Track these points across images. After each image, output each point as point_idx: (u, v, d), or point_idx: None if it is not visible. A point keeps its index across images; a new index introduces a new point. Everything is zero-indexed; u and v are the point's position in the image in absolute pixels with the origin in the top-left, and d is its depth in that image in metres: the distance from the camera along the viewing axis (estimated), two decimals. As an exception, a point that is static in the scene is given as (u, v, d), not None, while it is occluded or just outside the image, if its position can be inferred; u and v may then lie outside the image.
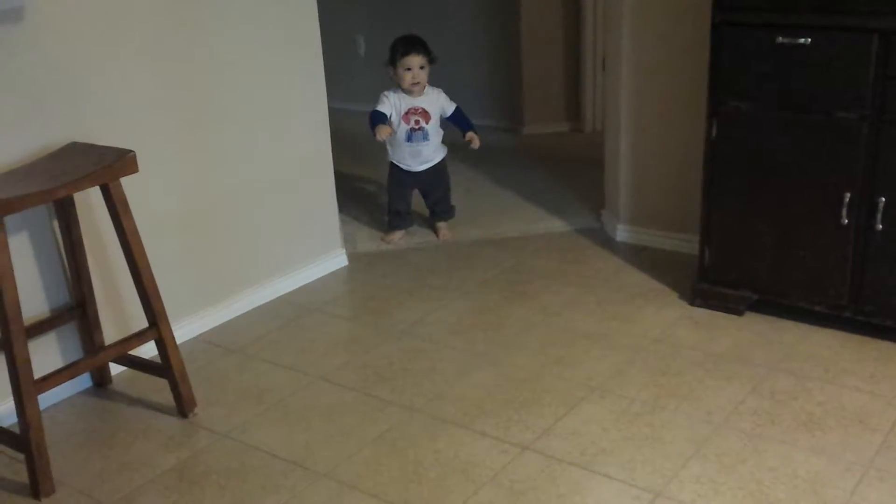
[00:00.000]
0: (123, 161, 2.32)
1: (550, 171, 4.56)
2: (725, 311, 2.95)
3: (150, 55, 2.73)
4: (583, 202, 4.06)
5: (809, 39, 2.53)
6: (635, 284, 3.25)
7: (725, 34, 2.69)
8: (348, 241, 3.72)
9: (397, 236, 3.72)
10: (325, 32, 3.41)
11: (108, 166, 2.29)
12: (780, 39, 2.58)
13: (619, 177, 3.65)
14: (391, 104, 3.54)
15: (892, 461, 2.17)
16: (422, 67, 3.49)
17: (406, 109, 3.54)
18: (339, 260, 3.56)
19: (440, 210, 3.77)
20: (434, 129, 3.61)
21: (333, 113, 3.55)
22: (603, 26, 4.80)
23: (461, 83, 5.38)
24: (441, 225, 3.76)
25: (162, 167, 2.81)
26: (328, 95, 3.41)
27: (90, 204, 2.57)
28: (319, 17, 3.29)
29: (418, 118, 3.55)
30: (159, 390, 2.62)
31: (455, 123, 3.68)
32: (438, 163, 3.68)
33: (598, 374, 2.65)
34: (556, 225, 3.87)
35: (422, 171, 3.66)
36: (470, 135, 3.61)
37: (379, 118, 3.49)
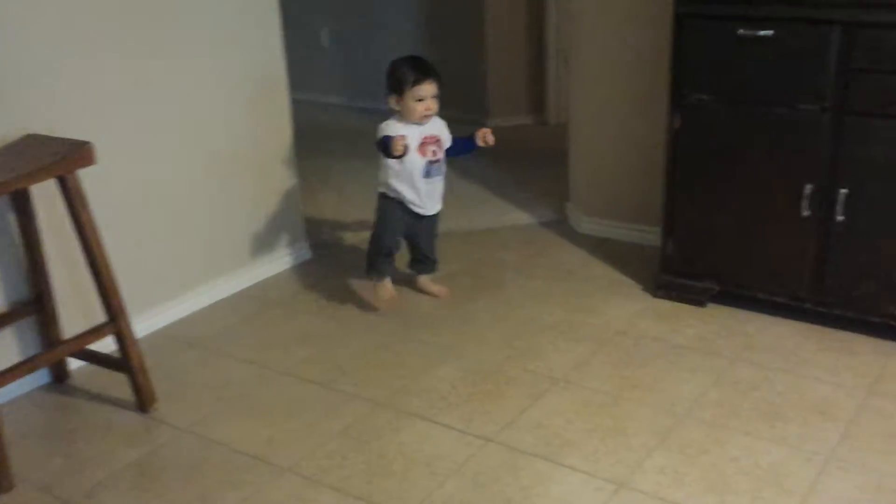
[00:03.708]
0: (80, 152, 2.28)
1: (515, 164, 4.56)
2: (688, 303, 2.97)
3: (108, 47, 2.68)
4: (547, 195, 4.07)
5: (771, 32, 2.55)
6: (599, 277, 3.26)
7: (687, 26, 2.70)
8: (312, 233, 3.69)
9: (391, 288, 3.04)
10: (289, 24, 3.38)
11: (64, 158, 2.25)
12: (741, 31, 2.59)
13: (582, 169, 3.66)
14: (395, 133, 2.82)
15: (853, 451, 2.20)
16: (434, 96, 2.86)
17: (421, 139, 2.87)
18: (302, 253, 3.53)
19: (430, 261, 3.15)
20: (444, 161, 2.99)
21: (297, 104, 3.52)
22: (565, 19, 4.80)
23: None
24: (427, 279, 3.18)
25: (121, 158, 2.76)
26: (292, 87, 3.38)
27: (52, 196, 2.52)
28: (283, 9, 3.26)
29: (435, 148, 2.91)
30: (119, 385, 2.57)
31: (457, 151, 3.02)
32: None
33: (562, 366, 2.65)
34: (521, 218, 3.87)
35: (432, 216, 3.02)
36: (483, 131, 2.94)
37: (390, 138, 2.78)
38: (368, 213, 3.95)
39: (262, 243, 3.36)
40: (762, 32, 2.56)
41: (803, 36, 2.52)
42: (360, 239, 3.71)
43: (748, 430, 2.31)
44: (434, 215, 3.03)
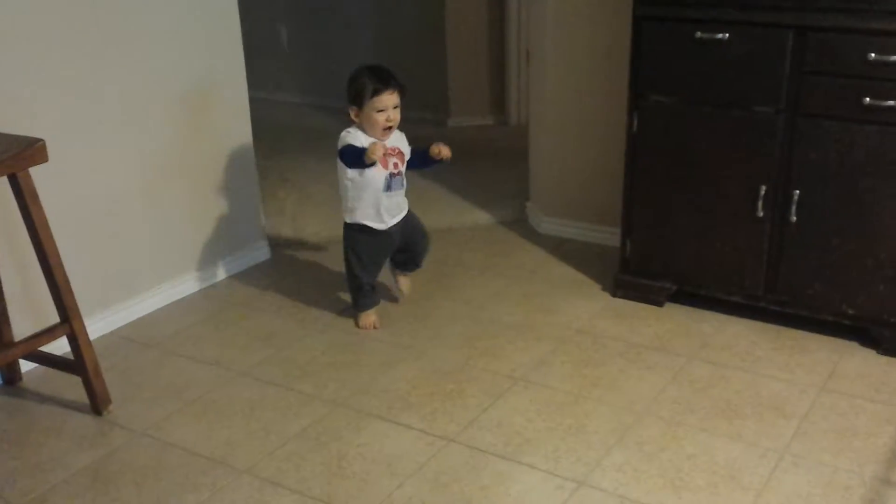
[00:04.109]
0: (32, 150, 2.23)
1: (476, 163, 4.56)
2: (646, 302, 3.00)
3: (59, 43, 2.63)
4: (508, 195, 4.08)
5: (727, 35, 2.58)
6: (559, 276, 3.28)
7: (646, 28, 2.72)
8: (272, 233, 3.66)
9: (374, 317, 2.94)
10: (248, 22, 3.35)
11: (16, 155, 2.20)
12: (699, 34, 2.62)
13: (543, 170, 3.68)
14: (361, 144, 2.71)
15: (807, 447, 2.24)
16: (396, 107, 2.72)
17: (383, 150, 2.73)
18: (261, 252, 3.50)
19: (413, 262, 3.06)
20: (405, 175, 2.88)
21: (256, 103, 3.49)
22: (527, 19, 4.83)
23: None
24: (403, 279, 3.09)
25: (75, 155, 2.71)
26: (251, 86, 3.34)
27: (2, 194, 2.47)
28: (241, 6, 3.23)
29: (396, 160, 2.79)
30: (73, 387, 2.53)
31: (416, 165, 2.89)
32: (408, 212, 2.93)
33: (523, 366, 2.66)
34: (482, 217, 3.88)
35: (393, 226, 2.87)
36: (437, 146, 2.79)
37: (358, 149, 2.69)
38: (329, 212, 3.95)
39: (221, 243, 3.32)
40: (719, 35, 2.59)
41: (758, 39, 2.55)
42: (319, 239, 3.70)
43: (705, 427, 2.33)
44: (409, 219, 2.91)
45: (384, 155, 2.73)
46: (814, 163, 2.57)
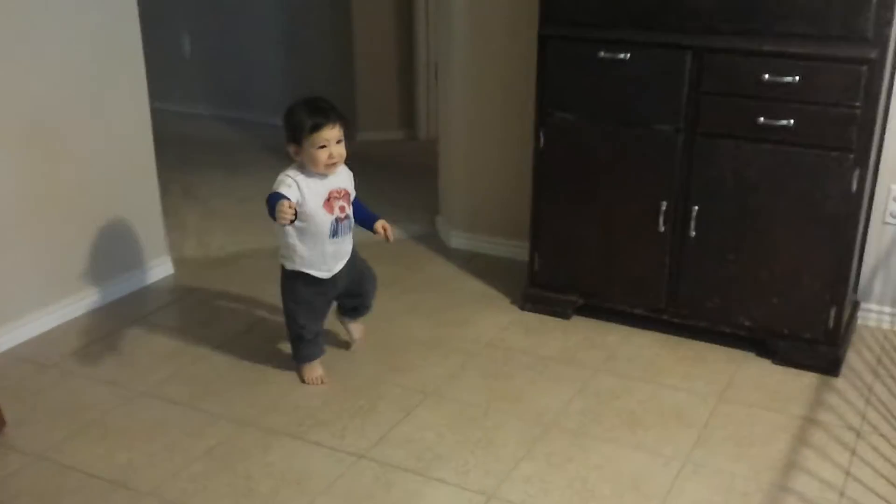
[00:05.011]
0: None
1: (385, 178, 4.56)
2: (553, 315, 3.05)
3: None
4: (418, 209, 4.09)
5: (629, 55, 2.66)
6: (469, 290, 3.30)
7: (551, 47, 2.78)
8: (174, 248, 3.57)
9: (320, 370, 2.68)
10: (149, 32, 3.27)
11: None
12: (601, 54, 2.69)
13: (453, 184, 3.71)
14: (298, 189, 2.44)
15: (707, 454, 2.31)
16: (339, 141, 2.48)
17: (327, 194, 2.49)
18: (164, 268, 3.41)
19: (364, 306, 2.81)
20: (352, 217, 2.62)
21: (159, 114, 3.41)
22: (435, 33, 4.86)
23: (293, 90, 5.32)
24: (354, 326, 2.86)
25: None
26: (153, 97, 3.27)
27: None
28: (143, 16, 3.15)
29: (343, 203, 2.53)
30: (-38, 411, 2.42)
31: (357, 214, 2.62)
32: (352, 253, 2.65)
33: (433, 380, 2.66)
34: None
35: (338, 273, 2.60)
36: (381, 224, 2.62)
37: (280, 198, 2.38)
38: (234, 227, 3.88)
39: (120, 259, 3.23)
40: (621, 55, 2.66)
41: (658, 60, 2.63)
42: (225, 253, 3.63)
43: (610, 437, 2.38)
44: (354, 261, 2.65)
45: (329, 199, 2.49)
46: (711, 180, 2.66)
